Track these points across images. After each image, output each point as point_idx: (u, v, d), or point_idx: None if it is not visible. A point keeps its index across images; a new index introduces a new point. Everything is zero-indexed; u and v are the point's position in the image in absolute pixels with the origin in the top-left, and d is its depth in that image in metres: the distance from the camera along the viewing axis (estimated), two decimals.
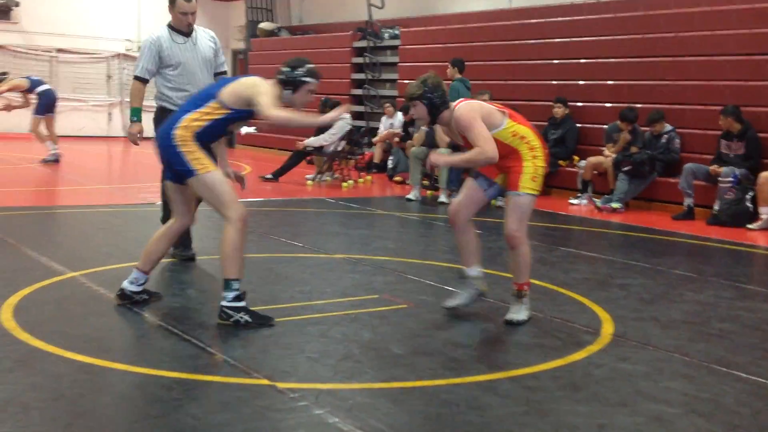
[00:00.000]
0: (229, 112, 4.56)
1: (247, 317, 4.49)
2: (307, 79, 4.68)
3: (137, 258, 6.28)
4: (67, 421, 3.18)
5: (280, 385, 3.62)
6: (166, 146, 4.57)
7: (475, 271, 4.95)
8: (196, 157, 4.51)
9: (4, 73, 14.13)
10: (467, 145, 4.74)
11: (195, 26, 6.28)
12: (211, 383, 3.66)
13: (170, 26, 6.25)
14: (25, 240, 6.80)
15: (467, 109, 4.66)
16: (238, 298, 4.51)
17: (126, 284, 4.89)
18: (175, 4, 6.15)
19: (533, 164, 4.68)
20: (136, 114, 6.33)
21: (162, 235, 4.91)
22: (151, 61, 6.17)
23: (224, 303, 4.50)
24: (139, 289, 4.91)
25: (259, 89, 4.53)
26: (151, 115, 6.25)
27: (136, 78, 6.27)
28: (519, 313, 4.81)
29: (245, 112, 4.59)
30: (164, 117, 6.09)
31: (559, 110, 11.51)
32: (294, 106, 4.71)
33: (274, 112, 4.47)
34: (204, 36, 6.34)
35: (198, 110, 4.57)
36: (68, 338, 4.23)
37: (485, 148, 4.54)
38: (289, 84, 4.64)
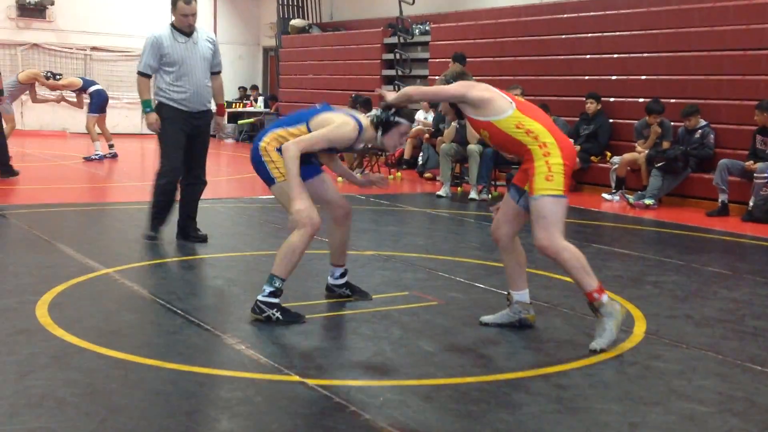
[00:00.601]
0: None
1: (278, 314, 4.52)
2: (398, 119, 4.62)
3: (170, 254, 6.41)
4: (101, 416, 3.22)
5: (311, 381, 3.63)
6: (254, 158, 4.72)
7: (521, 295, 4.57)
8: (276, 166, 4.61)
9: (60, 74, 14.64)
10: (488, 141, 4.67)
11: (196, 27, 6.71)
12: (242, 379, 3.69)
13: (173, 25, 6.68)
14: (60, 237, 6.89)
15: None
16: (274, 294, 4.54)
17: (328, 278, 5.13)
18: (177, 6, 6.60)
19: (545, 162, 4.20)
20: (147, 105, 6.73)
21: (332, 228, 5.03)
22: (152, 57, 6.60)
23: (260, 297, 4.55)
24: (338, 282, 5.10)
25: (330, 123, 4.54)
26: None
27: (140, 73, 6.70)
28: (600, 337, 4.21)
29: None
30: (161, 112, 6.67)
31: (591, 106, 11.43)
32: (386, 148, 4.75)
33: (291, 147, 4.43)
34: (204, 37, 6.76)
35: (286, 128, 4.66)
36: (102, 334, 4.29)
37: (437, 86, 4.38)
38: (380, 125, 4.61)
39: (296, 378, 3.69)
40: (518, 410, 3.41)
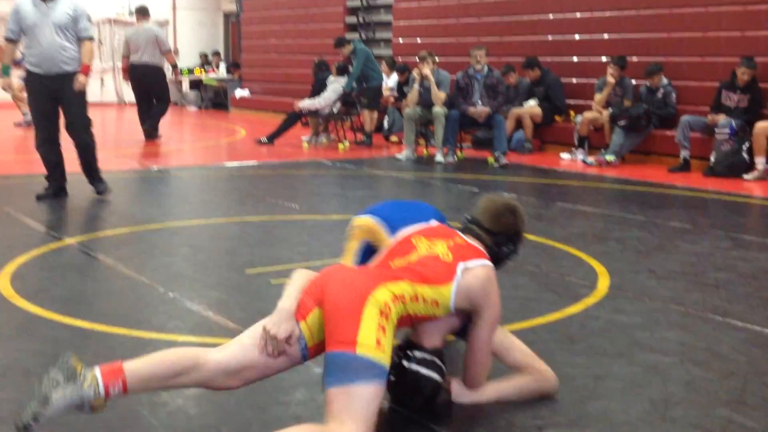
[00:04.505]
0: None
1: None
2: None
3: (132, 223, 6.38)
4: None
5: None
6: None
7: None
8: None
9: None
10: None
11: None
12: (211, 345, 3.68)
13: None
14: (21, 207, 6.80)
15: None
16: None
17: None
18: None
19: None
20: (5, 70, 7.35)
21: None
22: (12, 22, 6.98)
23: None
24: None
25: None
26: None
27: (6, 39, 7.08)
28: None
29: None
30: (28, 77, 7.10)
31: (532, 72, 11.50)
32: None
33: None
34: (65, 3, 6.95)
35: None
36: (67, 304, 4.25)
37: None
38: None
39: None
40: None
